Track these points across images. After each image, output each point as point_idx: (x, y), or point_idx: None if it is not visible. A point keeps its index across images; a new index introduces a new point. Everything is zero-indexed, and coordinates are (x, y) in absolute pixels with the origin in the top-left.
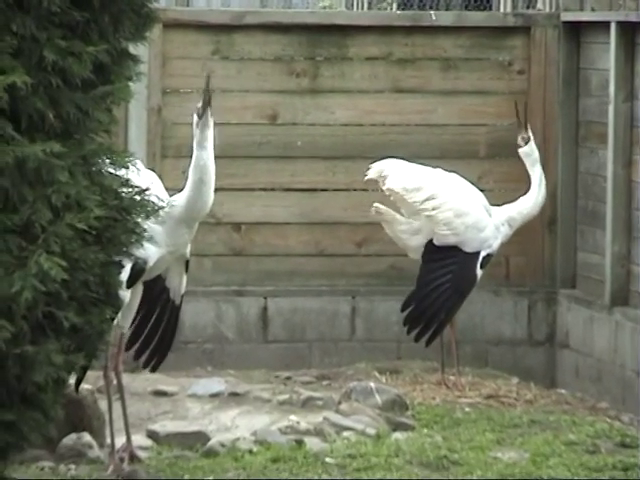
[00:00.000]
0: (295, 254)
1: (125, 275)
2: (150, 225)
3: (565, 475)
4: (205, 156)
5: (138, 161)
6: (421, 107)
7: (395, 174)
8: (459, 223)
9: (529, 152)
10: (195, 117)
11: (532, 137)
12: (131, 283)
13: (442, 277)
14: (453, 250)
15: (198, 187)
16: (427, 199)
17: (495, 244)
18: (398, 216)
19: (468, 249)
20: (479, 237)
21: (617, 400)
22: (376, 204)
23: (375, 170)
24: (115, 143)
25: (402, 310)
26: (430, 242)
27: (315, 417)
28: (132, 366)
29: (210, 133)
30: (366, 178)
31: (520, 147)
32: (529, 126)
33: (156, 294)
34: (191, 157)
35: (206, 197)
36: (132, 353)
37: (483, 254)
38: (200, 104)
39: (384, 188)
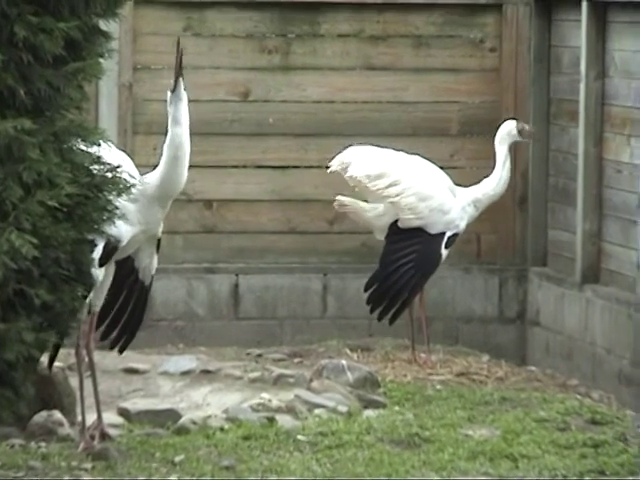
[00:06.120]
0: (267, 231)
1: (98, 253)
2: (123, 203)
3: (536, 452)
4: (180, 133)
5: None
6: (393, 84)
7: (357, 162)
8: (423, 207)
9: (507, 135)
10: (169, 93)
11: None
12: (104, 261)
13: (406, 257)
14: (417, 231)
15: (173, 164)
16: (390, 185)
17: (462, 224)
18: (362, 204)
19: (433, 231)
20: (444, 219)
21: (587, 377)
22: (338, 197)
23: (337, 161)
24: (86, 120)
25: (365, 289)
26: (394, 223)
27: (286, 395)
28: (104, 344)
29: (184, 108)
30: (329, 170)
31: (516, 136)
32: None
33: (124, 274)
34: (164, 134)
35: (180, 174)
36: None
37: (449, 234)
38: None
39: (347, 178)
